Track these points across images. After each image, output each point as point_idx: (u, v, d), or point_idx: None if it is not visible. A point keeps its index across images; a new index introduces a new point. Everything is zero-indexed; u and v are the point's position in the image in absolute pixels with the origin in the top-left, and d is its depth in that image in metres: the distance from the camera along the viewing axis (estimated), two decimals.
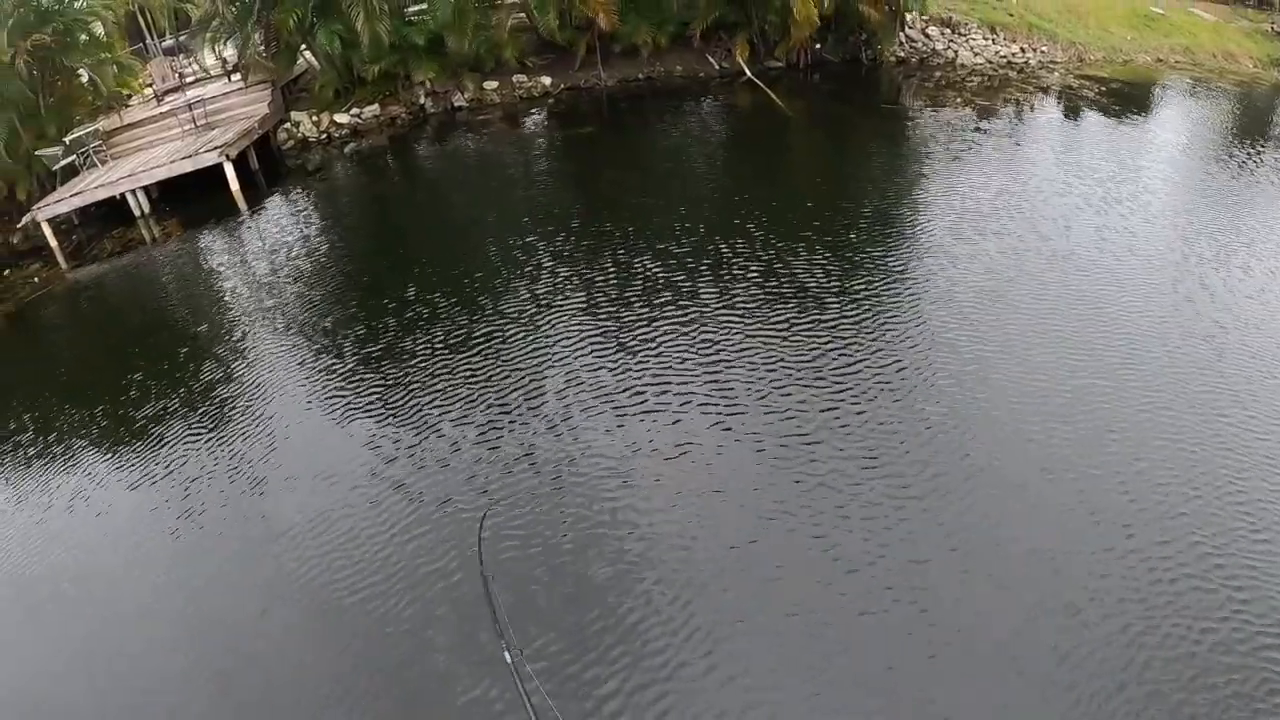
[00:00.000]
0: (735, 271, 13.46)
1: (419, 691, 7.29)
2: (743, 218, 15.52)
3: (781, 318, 12.04)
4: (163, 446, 11.30)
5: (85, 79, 22.94)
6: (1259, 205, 15.85)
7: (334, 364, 12.56)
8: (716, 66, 26.21)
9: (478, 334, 12.60)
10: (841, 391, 10.36)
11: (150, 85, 26.40)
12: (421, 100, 25.58)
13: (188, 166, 20.35)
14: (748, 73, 25.12)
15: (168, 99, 25.01)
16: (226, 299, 15.72)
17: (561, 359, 11.67)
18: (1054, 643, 7.04)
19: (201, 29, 26.23)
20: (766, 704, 6.79)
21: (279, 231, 18.78)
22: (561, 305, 13.08)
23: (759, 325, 11.92)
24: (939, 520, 8.36)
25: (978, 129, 20.28)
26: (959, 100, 22.75)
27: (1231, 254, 13.22)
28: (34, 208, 19.89)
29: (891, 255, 13.97)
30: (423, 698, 7.24)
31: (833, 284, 12.86)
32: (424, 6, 24.77)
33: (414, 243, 17.02)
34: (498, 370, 11.64)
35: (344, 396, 11.67)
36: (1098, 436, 9.33)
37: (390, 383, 11.81)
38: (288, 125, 24.69)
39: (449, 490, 9.47)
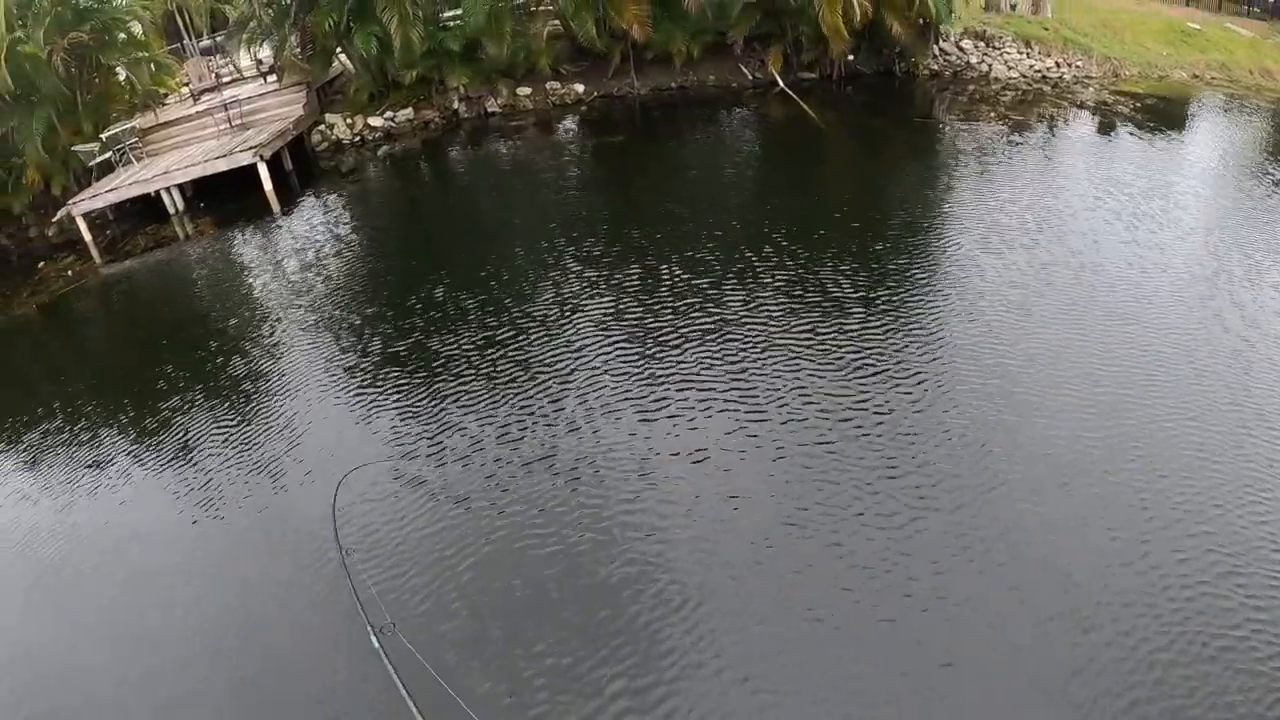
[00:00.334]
0: (762, 279, 13.47)
1: None
2: (771, 227, 15.56)
3: (806, 326, 12.04)
4: (187, 437, 11.52)
5: (122, 77, 23.36)
6: None
7: (360, 361, 12.74)
8: (750, 77, 26.23)
9: (503, 335, 12.72)
10: (864, 400, 10.35)
11: (186, 85, 26.82)
12: (455, 105, 25.85)
13: (222, 166, 20.71)
14: (781, 83, 25.11)
15: (203, 99, 25.40)
16: (257, 296, 15.96)
17: (586, 362, 11.74)
18: (1069, 655, 6.97)
19: (238, 30, 26.75)
20: (779, 706, 6.79)
21: (311, 232, 19.04)
22: (588, 309, 13.17)
23: (783, 333, 11.92)
24: (958, 530, 8.31)
25: (1010, 143, 20.14)
26: (992, 114, 22.61)
27: (1263, 272, 13.03)
28: (69, 202, 20.33)
29: (918, 266, 13.91)
30: None
31: (859, 294, 12.83)
32: (459, 12, 25.00)
33: (444, 245, 17.20)
34: (522, 371, 11.75)
35: (368, 394, 11.84)
36: (1121, 450, 9.23)
37: (415, 381, 11.95)
38: (322, 127, 25.06)
39: (468, 489, 9.55)
